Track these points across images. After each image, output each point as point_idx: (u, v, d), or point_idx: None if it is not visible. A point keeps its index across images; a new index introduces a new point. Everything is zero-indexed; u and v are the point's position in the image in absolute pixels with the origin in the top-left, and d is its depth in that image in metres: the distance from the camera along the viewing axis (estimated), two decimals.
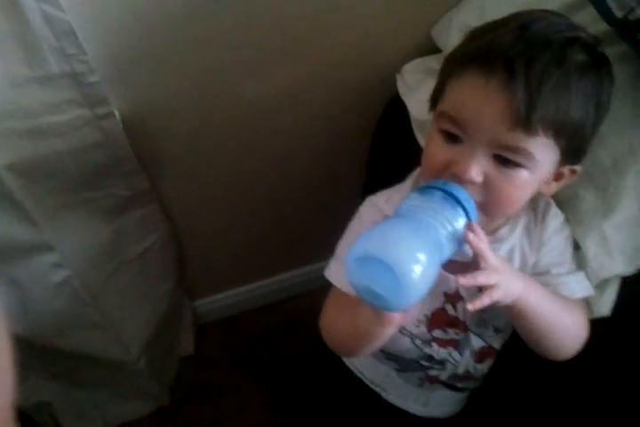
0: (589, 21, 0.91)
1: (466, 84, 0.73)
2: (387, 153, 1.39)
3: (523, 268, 0.88)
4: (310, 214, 1.67)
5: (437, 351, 0.97)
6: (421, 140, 1.14)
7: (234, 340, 1.82)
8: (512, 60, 0.69)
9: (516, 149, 0.72)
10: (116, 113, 1.12)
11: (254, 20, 1.13)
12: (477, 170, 0.73)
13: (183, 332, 1.75)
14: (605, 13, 0.92)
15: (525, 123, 0.69)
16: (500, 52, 0.70)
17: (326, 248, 1.78)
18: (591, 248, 0.88)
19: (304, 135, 1.43)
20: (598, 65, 0.75)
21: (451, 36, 1.17)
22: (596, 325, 0.90)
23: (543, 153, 0.74)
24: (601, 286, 0.91)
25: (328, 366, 1.15)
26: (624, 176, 0.88)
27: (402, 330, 0.95)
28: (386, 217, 0.78)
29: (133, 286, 1.45)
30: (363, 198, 1.55)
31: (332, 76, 1.30)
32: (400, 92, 1.24)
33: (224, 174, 1.44)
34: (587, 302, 0.92)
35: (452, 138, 0.76)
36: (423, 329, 0.94)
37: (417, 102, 1.18)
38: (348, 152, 1.51)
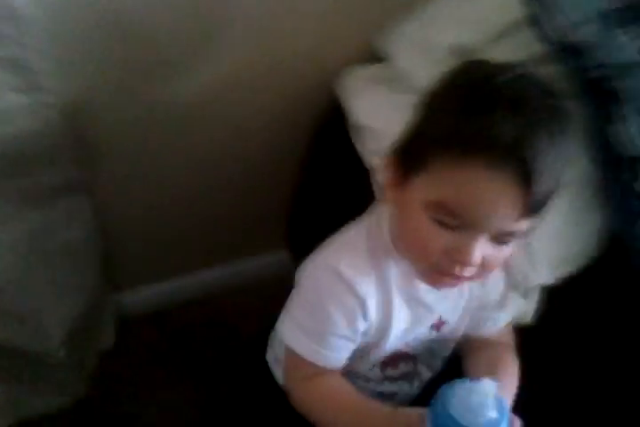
0: (533, 40, 0.95)
1: (470, 177, 0.68)
2: (323, 157, 1.40)
3: (469, 299, 0.91)
4: (239, 211, 1.67)
5: (389, 388, 0.99)
6: (360, 146, 1.16)
7: (157, 335, 1.79)
8: (521, 153, 0.66)
9: (516, 233, 0.74)
10: (55, 102, 1.10)
11: (196, 17, 1.14)
12: (480, 254, 0.73)
13: (105, 325, 1.72)
14: (543, 34, 0.96)
15: (536, 212, 0.71)
16: (505, 144, 0.66)
17: (254, 245, 1.81)
18: (516, 259, 0.92)
19: (240, 136, 1.44)
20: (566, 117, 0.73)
21: (396, 47, 1.20)
22: (520, 333, 0.94)
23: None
24: (524, 295, 0.95)
25: (255, 370, 1.15)
26: None
27: (356, 373, 0.95)
28: (352, 291, 0.81)
29: (56, 277, 1.41)
30: (294, 198, 1.58)
31: (270, 79, 1.32)
32: (340, 98, 1.25)
33: (157, 168, 1.43)
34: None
35: (446, 224, 0.72)
36: (376, 370, 0.95)
37: (358, 108, 1.20)
38: (283, 156, 1.53)
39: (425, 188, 0.73)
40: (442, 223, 0.72)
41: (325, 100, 1.34)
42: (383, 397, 1.00)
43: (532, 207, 0.69)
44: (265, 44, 1.24)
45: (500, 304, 0.93)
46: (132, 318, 1.80)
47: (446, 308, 0.90)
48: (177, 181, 1.49)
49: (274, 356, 1.09)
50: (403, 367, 0.96)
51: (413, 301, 0.86)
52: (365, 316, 0.83)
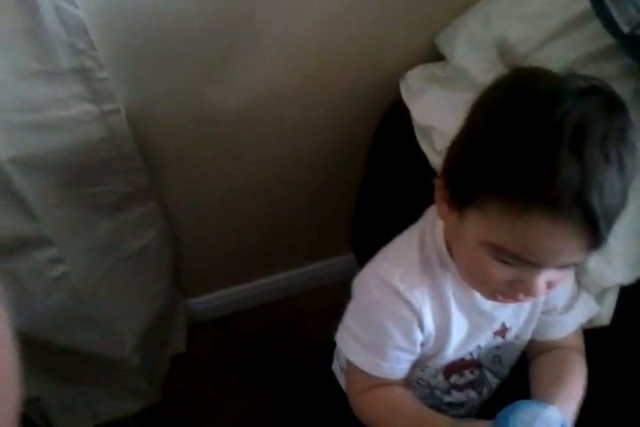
0: (588, 38, 0.93)
1: (533, 228, 0.64)
2: (386, 157, 1.40)
3: (535, 302, 0.89)
4: (307, 216, 1.68)
5: (457, 396, 0.98)
6: (423, 145, 1.15)
7: (226, 340, 1.81)
8: (588, 200, 0.61)
9: (582, 260, 0.72)
10: (122, 110, 1.13)
11: (257, 21, 1.14)
12: (544, 285, 0.71)
13: (176, 330, 1.75)
14: (612, 28, 0.93)
15: (603, 243, 0.67)
16: (571, 194, 0.61)
17: (318, 251, 1.81)
18: (592, 259, 0.89)
19: (304, 139, 1.44)
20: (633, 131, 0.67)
21: (456, 44, 1.18)
22: (596, 334, 0.91)
23: None
24: (600, 295, 0.92)
25: (322, 379, 1.15)
26: None
27: (420, 381, 0.94)
28: (407, 303, 0.80)
29: (129, 283, 1.45)
30: (358, 201, 1.57)
31: (333, 80, 1.32)
32: (403, 98, 1.25)
33: (223, 175, 1.44)
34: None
35: (507, 262, 0.70)
36: (440, 378, 0.94)
37: (420, 108, 1.19)
38: (347, 157, 1.52)
39: (482, 228, 0.69)
40: (503, 261, 0.69)
41: (389, 100, 1.34)
42: (452, 406, 1.00)
43: (599, 243, 0.66)
44: (327, 45, 1.24)
45: (568, 307, 0.90)
46: (201, 322, 1.83)
47: (508, 314, 0.88)
48: (244, 187, 1.50)
49: (339, 365, 1.09)
50: (468, 375, 0.94)
51: (471, 309, 0.85)
52: (422, 327, 0.82)
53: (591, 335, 0.92)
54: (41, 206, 1.14)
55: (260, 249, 1.70)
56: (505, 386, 1.00)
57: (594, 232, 0.63)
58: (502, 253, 0.68)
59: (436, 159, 1.12)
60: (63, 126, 1.09)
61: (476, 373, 0.95)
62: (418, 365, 0.90)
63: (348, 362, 0.87)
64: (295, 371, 1.70)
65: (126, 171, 1.24)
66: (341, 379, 1.08)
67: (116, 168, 1.22)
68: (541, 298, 0.87)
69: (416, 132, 1.18)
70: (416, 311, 0.80)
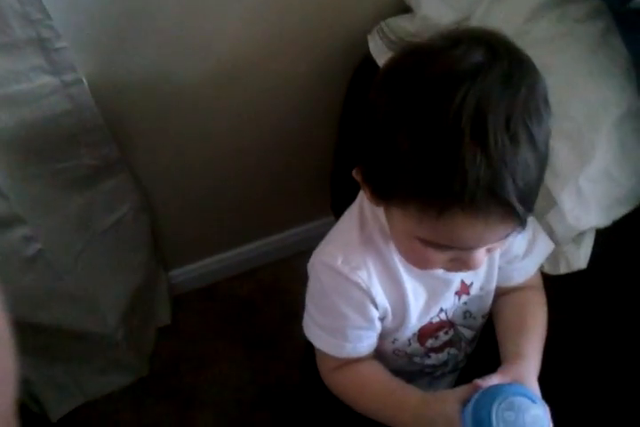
0: None
1: (452, 226, 0.63)
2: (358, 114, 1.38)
3: (491, 259, 0.88)
4: (284, 181, 1.66)
5: (437, 358, 0.98)
6: None
7: (211, 309, 1.81)
8: (502, 191, 0.59)
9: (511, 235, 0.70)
10: (84, 80, 1.10)
11: None
12: (483, 257, 0.72)
13: (159, 303, 1.74)
14: None
15: (525, 223, 0.66)
16: (483, 189, 0.59)
17: (298, 215, 1.80)
18: (567, 202, 0.89)
19: (273, 102, 1.41)
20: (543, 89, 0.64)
21: None
22: (573, 277, 0.91)
23: None
24: (577, 240, 0.93)
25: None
26: (598, 129, 0.89)
27: (396, 352, 0.94)
28: (355, 284, 0.79)
29: (107, 258, 1.43)
30: (334, 162, 1.56)
31: (299, 39, 1.29)
32: (372, 53, 1.22)
33: (194, 143, 1.41)
34: (564, 258, 0.94)
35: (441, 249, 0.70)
36: (416, 345, 0.93)
37: None
38: (320, 118, 1.50)
39: (407, 225, 0.69)
40: (437, 248, 0.69)
41: (358, 56, 1.31)
42: (435, 367, 1.00)
43: (524, 223, 0.65)
44: (291, 3, 1.21)
45: (528, 251, 0.90)
46: (185, 294, 1.82)
47: (463, 273, 0.86)
48: (217, 153, 1.48)
49: None
50: (443, 336, 0.95)
51: (424, 276, 0.84)
52: (375, 304, 0.82)
53: (568, 279, 0.93)
54: (9, 184, 1.11)
55: (238, 216, 1.69)
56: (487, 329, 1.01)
57: (516, 217, 0.62)
58: (433, 245, 0.68)
59: None
60: (24, 100, 1.05)
61: (450, 332, 0.95)
62: (386, 338, 0.90)
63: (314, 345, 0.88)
64: (282, 335, 1.71)
65: (94, 143, 1.21)
66: None
67: (84, 141, 1.19)
68: (498, 251, 0.86)
69: None
70: (365, 291, 0.80)
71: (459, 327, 0.95)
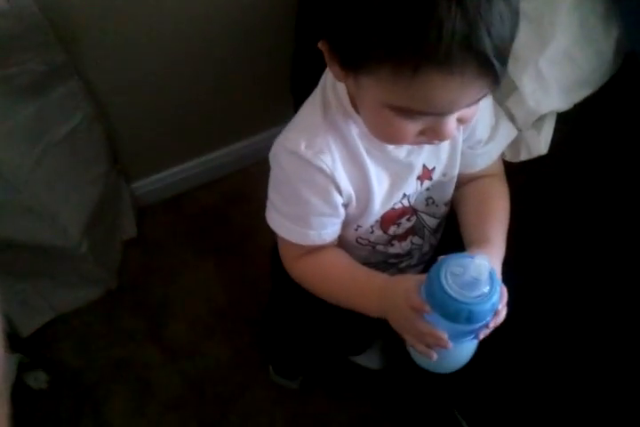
0: None
1: (428, 85, 0.61)
2: (314, 14, 1.33)
3: (454, 138, 0.86)
4: (240, 88, 1.62)
5: (401, 246, 0.97)
6: None
7: (177, 220, 1.80)
8: (478, 45, 0.57)
9: (484, 97, 0.68)
10: None
11: None
12: (454, 126, 0.69)
13: (123, 215, 1.72)
14: None
15: (499, 81, 0.63)
16: (459, 44, 0.57)
17: (258, 122, 1.77)
18: (528, 85, 0.87)
19: (225, 6, 1.36)
20: None
21: None
22: (535, 163, 0.91)
23: None
24: (537, 125, 0.91)
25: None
26: (557, 9, 0.86)
27: (359, 240, 0.93)
28: (319, 170, 0.77)
29: (64, 170, 1.40)
30: (292, 69, 1.51)
31: None
32: None
33: (146, 47, 1.36)
34: (525, 144, 0.93)
35: (413, 117, 0.68)
36: (379, 233, 0.93)
37: None
38: (275, 20, 1.45)
39: (380, 92, 0.66)
40: (408, 116, 0.67)
41: None
42: (399, 257, 1.00)
43: (499, 79, 0.63)
44: None
45: (492, 137, 0.88)
46: (150, 205, 1.81)
47: (427, 155, 0.85)
48: (171, 57, 1.43)
49: None
50: (406, 223, 0.94)
51: (386, 160, 0.82)
52: (340, 190, 0.81)
53: (529, 164, 0.92)
54: None
55: (198, 125, 1.65)
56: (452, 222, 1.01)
57: (491, 73, 0.60)
58: (406, 112, 0.66)
59: None
60: None
61: (413, 219, 0.94)
62: (349, 226, 0.89)
63: (277, 234, 0.87)
64: (250, 242, 1.70)
65: (38, 46, 1.16)
66: None
67: (27, 44, 1.14)
68: (460, 135, 0.85)
69: None
70: (329, 176, 0.79)
71: (421, 214, 0.94)
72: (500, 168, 0.94)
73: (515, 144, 0.92)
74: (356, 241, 0.93)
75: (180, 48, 1.41)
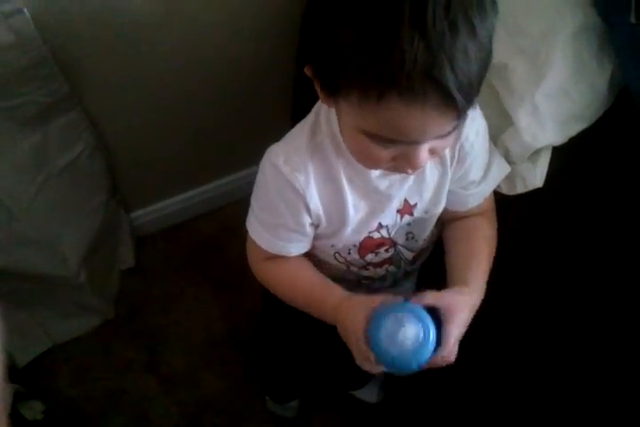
0: None
1: (392, 113, 0.62)
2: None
3: (442, 178, 0.87)
4: (243, 118, 1.63)
5: (375, 272, 1.00)
6: None
7: (175, 249, 1.80)
8: (440, 75, 0.58)
9: (458, 127, 0.69)
10: (25, 11, 1.05)
11: None
12: (426, 155, 0.70)
13: (122, 244, 1.72)
14: None
15: (469, 107, 0.64)
16: (420, 72, 0.58)
17: (258, 153, 1.77)
18: (524, 119, 0.89)
19: (229, 31, 1.38)
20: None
21: None
22: (530, 196, 0.92)
23: None
24: (533, 158, 0.93)
25: None
26: (553, 44, 0.88)
27: (336, 257, 0.96)
28: (291, 186, 0.81)
29: (65, 199, 1.41)
30: (293, 96, 1.53)
31: None
32: None
33: (146, 76, 1.38)
34: (520, 177, 0.94)
35: (385, 144, 0.69)
36: (356, 256, 0.95)
37: None
38: (277, 48, 1.47)
39: (352, 116, 0.68)
40: (380, 142, 0.69)
41: None
42: (372, 280, 1.03)
43: (464, 114, 0.64)
44: None
45: (484, 177, 0.90)
46: (147, 235, 1.81)
47: (410, 190, 0.87)
48: (171, 89, 1.44)
49: None
50: (384, 254, 0.96)
51: (367, 190, 0.85)
52: (309, 210, 0.84)
53: (524, 198, 0.93)
54: None
55: (198, 156, 1.66)
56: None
57: (453, 106, 0.61)
58: (377, 139, 0.68)
59: None
60: None
61: (391, 251, 0.96)
62: (323, 241, 0.92)
63: (249, 235, 0.91)
64: (248, 272, 1.69)
65: (42, 78, 1.17)
66: None
67: (31, 76, 1.16)
68: (449, 173, 0.86)
69: None
70: (300, 194, 0.82)
71: (400, 247, 0.96)
72: (491, 204, 0.95)
73: (510, 177, 0.93)
74: (334, 256, 0.96)
75: (180, 81, 1.42)
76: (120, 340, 1.67)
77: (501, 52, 0.92)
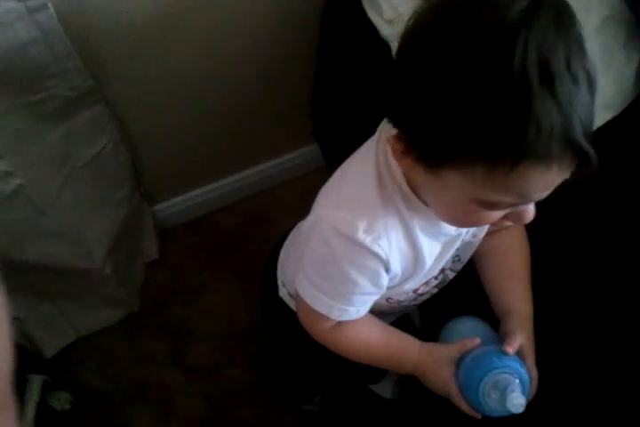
0: None
1: (529, 178, 0.59)
2: (336, 36, 1.35)
3: None
4: (265, 110, 1.63)
5: (422, 299, 0.98)
6: (372, 16, 1.10)
7: (199, 242, 1.81)
8: (574, 138, 0.56)
9: None
10: (50, 6, 1.06)
11: None
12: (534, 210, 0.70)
13: (146, 237, 1.74)
14: None
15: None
16: (558, 139, 0.56)
17: (281, 144, 1.78)
18: None
19: (246, 28, 1.38)
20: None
21: None
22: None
23: None
24: None
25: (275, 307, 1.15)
26: None
27: (390, 301, 0.93)
28: (375, 255, 0.76)
29: (89, 193, 1.42)
30: (314, 88, 1.53)
31: None
32: None
33: (170, 71, 1.39)
34: None
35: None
36: (410, 295, 0.93)
37: None
38: (297, 42, 1.47)
39: (469, 188, 0.64)
40: (495, 208, 0.66)
41: None
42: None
43: (591, 160, 0.60)
44: None
45: None
46: (171, 228, 1.82)
47: None
48: (195, 82, 1.45)
49: (286, 291, 1.07)
50: (433, 282, 0.93)
51: (439, 235, 0.82)
52: (388, 271, 0.80)
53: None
54: None
55: (220, 148, 1.67)
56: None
57: (587, 160, 0.59)
58: (496, 206, 0.65)
59: (386, 29, 1.08)
60: None
61: (440, 277, 0.94)
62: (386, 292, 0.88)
63: (307, 306, 0.84)
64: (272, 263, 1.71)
65: (66, 73, 1.18)
66: (292, 303, 1.06)
67: (56, 71, 1.16)
68: None
69: (363, 3, 1.13)
70: (384, 260, 0.77)
71: (447, 271, 0.94)
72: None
73: None
74: (387, 301, 0.93)
75: (203, 74, 1.43)
76: (145, 332, 1.68)
77: None
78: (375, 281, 0.80)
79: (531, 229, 0.99)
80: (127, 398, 1.58)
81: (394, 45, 1.08)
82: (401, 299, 0.94)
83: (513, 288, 0.92)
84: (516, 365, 0.81)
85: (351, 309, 0.83)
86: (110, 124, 1.38)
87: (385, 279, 0.81)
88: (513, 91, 0.55)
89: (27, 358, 1.52)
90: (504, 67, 0.54)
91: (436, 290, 0.98)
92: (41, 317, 1.57)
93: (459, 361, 0.85)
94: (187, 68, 1.40)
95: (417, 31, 0.62)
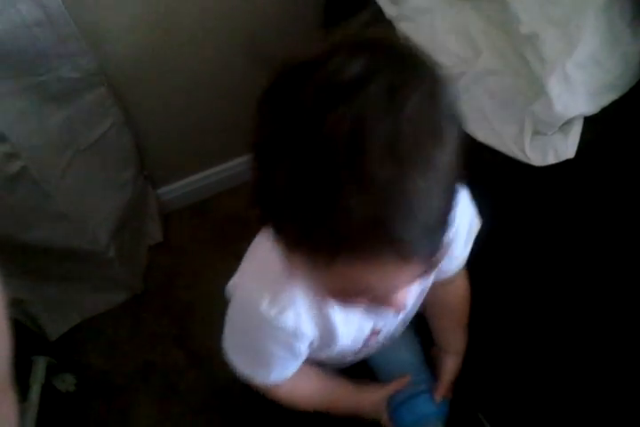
0: None
1: (349, 274, 0.52)
2: (341, 15, 1.33)
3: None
4: None
5: (368, 350, 0.98)
6: None
7: (203, 225, 1.82)
8: (395, 238, 0.48)
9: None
10: None
11: None
12: (407, 296, 0.63)
13: (150, 220, 1.74)
14: None
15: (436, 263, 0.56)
16: (374, 235, 0.47)
17: None
18: (555, 88, 0.87)
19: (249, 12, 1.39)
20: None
21: None
22: (561, 167, 0.91)
23: None
24: (565, 129, 0.91)
25: None
26: (585, 13, 0.87)
27: (330, 356, 0.91)
28: (281, 329, 0.73)
29: (93, 175, 1.42)
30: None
31: None
32: None
33: (175, 53, 1.38)
34: (552, 148, 0.92)
35: None
36: (350, 354, 0.94)
37: None
38: (303, 24, 1.47)
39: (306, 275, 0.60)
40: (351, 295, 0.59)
41: None
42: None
43: (434, 262, 0.55)
44: None
45: (465, 246, 0.87)
46: (175, 211, 1.83)
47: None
48: (199, 61, 1.45)
49: None
50: (372, 342, 0.92)
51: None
52: (303, 339, 0.78)
53: (556, 168, 0.92)
54: None
55: (224, 131, 1.66)
56: None
57: (415, 255, 0.51)
58: (343, 293, 0.58)
59: (390, 9, 1.08)
60: None
61: (381, 336, 0.93)
62: (317, 354, 0.87)
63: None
64: None
65: (71, 54, 1.18)
66: None
67: (60, 52, 1.16)
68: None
69: None
70: (292, 332, 0.75)
71: (384, 330, 0.93)
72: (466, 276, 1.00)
73: (542, 148, 0.92)
74: (327, 356, 0.91)
75: (209, 56, 1.43)
76: (149, 314, 1.69)
77: (532, 21, 0.92)
78: (290, 350, 0.79)
79: (531, 228, 1.02)
80: (131, 380, 1.59)
81: (399, 26, 1.08)
82: (342, 354, 0.92)
83: (453, 331, 1.03)
84: (443, 408, 1.00)
85: (273, 373, 0.84)
86: (114, 107, 1.38)
87: (301, 348, 0.79)
88: (319, 178, 0.47)
89: (31, 340, 1.53)
90: (313, 147, 0.47)
91: (379, 345, 0.98)
92: (46, 299, 1.58)
93: (391, 399, 0.99)
94: (192, 48, 1.40)
95: (264, 90, 0.56)
